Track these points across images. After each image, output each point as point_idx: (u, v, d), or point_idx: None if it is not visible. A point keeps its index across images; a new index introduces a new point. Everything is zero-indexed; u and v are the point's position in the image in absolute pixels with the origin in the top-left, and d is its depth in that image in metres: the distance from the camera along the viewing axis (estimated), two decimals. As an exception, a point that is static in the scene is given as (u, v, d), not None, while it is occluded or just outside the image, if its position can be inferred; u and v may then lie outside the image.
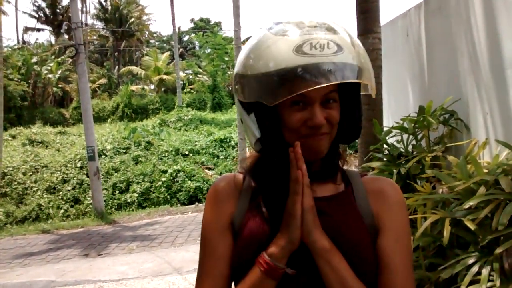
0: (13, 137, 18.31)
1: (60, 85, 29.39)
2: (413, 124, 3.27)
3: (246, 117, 1.08)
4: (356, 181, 1.14)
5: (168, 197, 12.79)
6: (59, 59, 28.93)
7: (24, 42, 39.53)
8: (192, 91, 28.52)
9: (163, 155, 14.81)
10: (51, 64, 28.08)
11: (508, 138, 2.65)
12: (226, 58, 25.69)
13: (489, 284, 1.90)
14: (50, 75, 27.80)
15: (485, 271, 1.94)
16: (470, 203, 2.04)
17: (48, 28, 40.68)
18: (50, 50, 32.03)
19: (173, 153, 14.89)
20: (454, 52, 3.32)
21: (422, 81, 3.95)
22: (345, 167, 1.19)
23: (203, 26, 45.64)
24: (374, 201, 1.10)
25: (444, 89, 3.53)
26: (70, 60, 29.24)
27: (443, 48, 3.53)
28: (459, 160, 2.53)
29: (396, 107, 4.63)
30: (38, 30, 42.06)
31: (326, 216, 1.05)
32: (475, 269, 1.97)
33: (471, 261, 2.02)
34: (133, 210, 12.34)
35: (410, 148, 3.50)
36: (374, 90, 1.10)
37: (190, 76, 31.79)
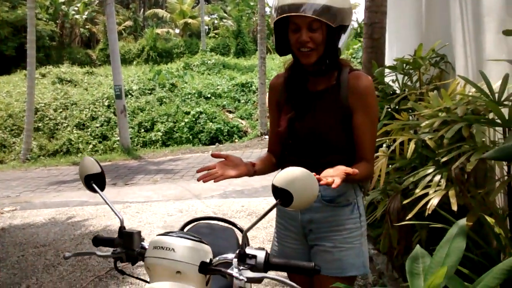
0: (43, 75, 18.99)
1: (87, 26, 29.79)
2: (403, 65, 3.67)
3: (274, 33, 1.74)
4: (344, 78, 1.71)
5: (190, 137, 13.40)
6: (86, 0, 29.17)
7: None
8: (216, 36, 28.64)
9: (186, 97, 15.34)
10: (78, 5, 28.34)
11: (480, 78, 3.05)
12: (252, 3, 25.51)
13: (437, 188, 2.38)
14: (77, 16, 28.14)
15: (436, 179, 2.42)
16: (427, 123, 2.50)
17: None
18: (77, -10, 32.20)
19: (196, 95, 15.40)
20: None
21: (422, 26, 4.30)
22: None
23: (230, -30, 44.91)
24: (352, 93, 1.69)
25: (439, 34, 3.89)
26: (97, 1, 29.56)
27: (440, -4, 3.87)
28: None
29: (400, 50, 4.98)
30: (65, -30, 42.00)
31: (315, 108, 1.73)
32: (429, 177, 2.45)
33: (428, 172, 2.51)
34: (157, 147, 13.03)
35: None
36: (338, 22, 1.59)
37: (215, 21, 31.76)
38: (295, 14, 1.56)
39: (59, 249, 4.67)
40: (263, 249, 1.29)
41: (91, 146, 13.32)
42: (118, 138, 12.84)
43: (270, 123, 1.96)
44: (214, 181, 1.59)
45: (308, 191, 1.23)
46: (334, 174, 1.45)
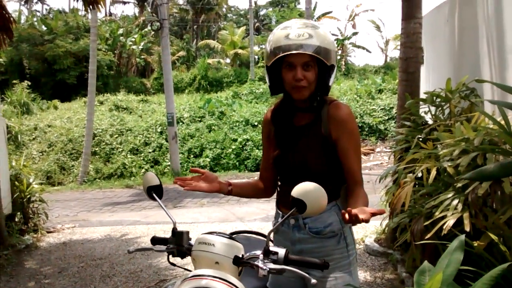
0: (101, 102, 20.06)
1: (142, 56, 31.23)
2: (433, 98, 3.91)
3: (266, 75, 1.89)
4: (324, 110, 1.87)
5: (237, 163, 13.83)
6: (143, 31, 30.64)
7: (110, 14, 42.03)
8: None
9: (234, 124, 15.84)
10: (135, 36, 29.79)
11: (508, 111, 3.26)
12: (300, 34, 26.00)
13: (454, 211, 2.61)
14: (134, 47, 29.55)
15: (454, 202, 2.66)
16: (446, 151, 2.74)
17: (133, 1, 42.91)
18: (135, 22, 33.94)
19: (244, 123, 15.88)
20: (477, 37, 3.91)
21: (455, 61, 4.54)
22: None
23: (281, 1, 46.13)
24: (332, 123, 1.85)
25: (470, 69, 4.12)
26: (153, 32, 31.02)
27: (470, 34, 4.11)
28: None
29: (436, 83, 5.21)
30: (124, 3, 44.58)
31: (299, 142, 1.89)
32: (448, 201, 2.69)
33: (447, 196, 2.74)
34: (205, 173, 13.49)
35: (437, 119, 4.13)
36: (331, 62, 1.79)
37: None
38: (296, 52, 1.73)
39: (114, 262, 5.11)
40: (284, 247, 1.61)
41: (143, 170, 13.93)
42: (169, 163, 13.43)
43: (262, 153, 2.14)
44: (184, 189, 1.90)
45: (319, 202, 1.54)
46: (363, 217, 1.53)
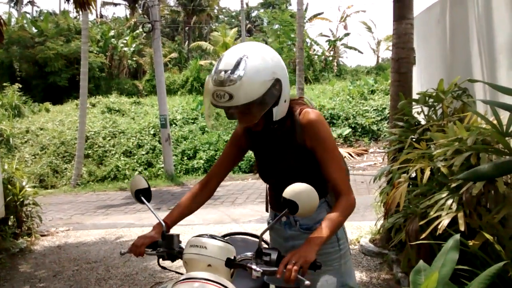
0: (93, 105, 19.97)
1: (134, 58, 31.11)
2: (426, 98, 3.94)
3: None
4: (296, 118, 1.85)
5: (231, 164, 13.81)
6: (134, 33, 30.54)
7: (101, 16, 41.88)
8: (257, 66, 29.21)
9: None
10: (127, 38, 29.71)
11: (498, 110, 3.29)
12: (292, 35, 26.06)
13: (449, 211, 2.63)
14: (125, 48, 29.43)
15: (448, 202, 2.68)
16: (440, 151, 2.76)
17: (124, 2, 42.78)
18: (126, 24, 33.81)
19: (236, 125, 15.85)
20: (468, 37, 3.94)
21: (446, 61, 4.57)
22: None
23: (272, 2, 46.21)
24: (304, 132, 1.83)
25: (461, 69, 4.16)
26: (144, 34, 30.92)
27: (461, 34, 4.14)
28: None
29: (428, 83, 5.24)
30: (115, 4, 44.48)
31: (277, 150, 1.91)
32: (442, 201, 2.71)
33: (442, 196, 2.76)
34: (199, 175, 13.48)
35: (430, 119, 4.15)
36: (263, 109, 1.71)
37: (257, 52, 32.39)
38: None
39: (109, 265, 5.10)
40: (276, 249, 1.61)
41: (137, 172, 13.89)
42: (163, 165, 13.40)
43: (224, 151, 2.12)
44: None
45: (310, 202, 1.54)
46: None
